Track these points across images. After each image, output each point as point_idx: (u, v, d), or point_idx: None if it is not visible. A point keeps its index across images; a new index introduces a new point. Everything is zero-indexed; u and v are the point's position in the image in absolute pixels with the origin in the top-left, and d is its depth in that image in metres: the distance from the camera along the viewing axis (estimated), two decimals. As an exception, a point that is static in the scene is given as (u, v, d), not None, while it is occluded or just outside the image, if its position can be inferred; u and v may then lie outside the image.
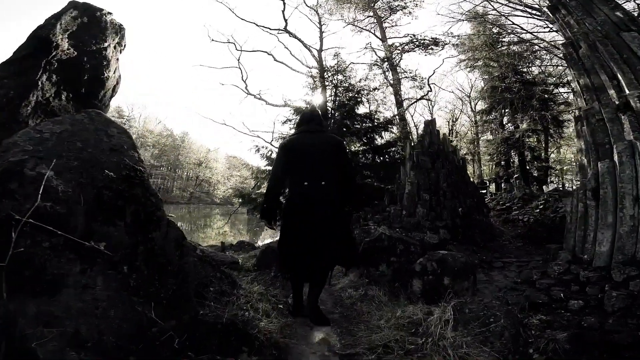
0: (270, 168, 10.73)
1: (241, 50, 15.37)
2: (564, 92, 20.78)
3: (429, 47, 14.18)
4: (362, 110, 13.10)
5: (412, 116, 20.60)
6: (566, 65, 18.34)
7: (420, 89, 14.52)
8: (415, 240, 4.27)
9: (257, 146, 10.82)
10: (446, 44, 14.48)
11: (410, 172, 6.89)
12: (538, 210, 11.21)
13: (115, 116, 43.35)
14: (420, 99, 15.02)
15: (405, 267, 3.91)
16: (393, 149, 12.16)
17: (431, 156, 7.01)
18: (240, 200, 10.33)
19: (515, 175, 13.60)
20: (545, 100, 19.27)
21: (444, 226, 6.12)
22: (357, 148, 12.16)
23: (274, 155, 10.99)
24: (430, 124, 7.99)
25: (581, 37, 7.11)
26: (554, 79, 19.47)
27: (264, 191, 11.32)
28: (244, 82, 15.06)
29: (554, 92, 19.99)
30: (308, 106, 13.23)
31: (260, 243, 14.96)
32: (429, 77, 14.47)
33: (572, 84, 6.75)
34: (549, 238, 8.49)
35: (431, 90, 14.72)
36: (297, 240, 2.57)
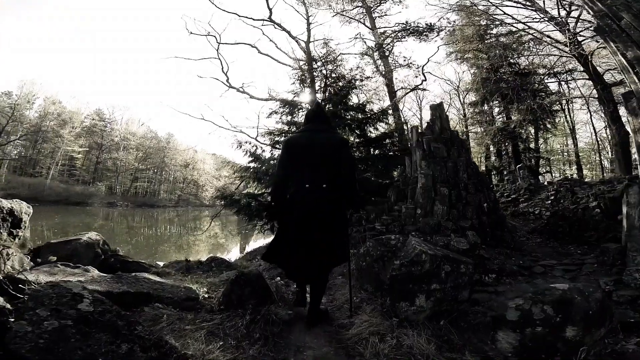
0: (254, 165, 9.27)
1: (220, 43, 13.77)
2: (553, 82, 20.10)
3: (424, 34, 12.85)
4: (354, 101, 11.80)
5: (401, 111, 19.33)
6: (558, 54, 17.18)
7: (416, 77, 13.22)
8: (467, 257, 2.90)
9: (239, 142, 9.32)
10: (442, 29, 13.20)
11: (421, 162, 5.53)
12: (549, 201, 10.04)
13: (96, 119, 41.00)
14: (415, 88, 13.72)
15: (451, 295, 2.56)
16: (388, 140, 10.87)
17: (445, 143, 5.67)
18: (223, 202, 8.84)
19: (519, 165, 12.43)
20: (536, 90, 18.37)
21: (470, 226, 4.78)
22: (350, 141, 10.83)
23: (258, 151, 9.54)
24: (438, 108, 6.66)
25: (621, 7, 5.94)
26: (544, 69, 18.63)
27: (250, 191, 9.86)
28: (225, 74, 13.50)
29: (543, 82, 19.20)
30: (297, 98, 11.91)
31: (248, 250, 13.36)
32: (423, 65, 13.18)
33: (615, 58, 5.53)
34: (572, 233, 7.32)
35: (426, 80, 13.45)
36: (295, 242, 2.44)
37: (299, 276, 2.69)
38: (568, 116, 23.66)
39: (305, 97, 12.01)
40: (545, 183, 11.53)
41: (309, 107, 3.01)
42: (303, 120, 2.89)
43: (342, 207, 2.54)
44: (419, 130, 6.46)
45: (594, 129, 25.60)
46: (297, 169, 2.46)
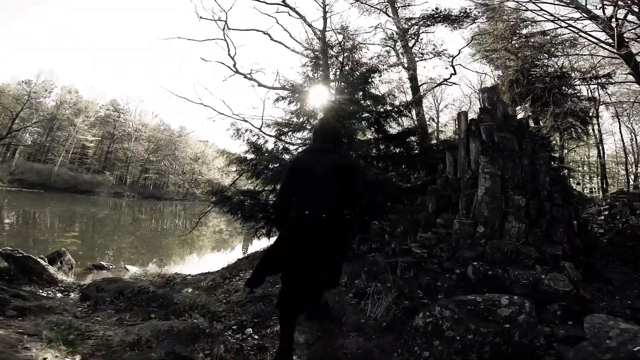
0: (252, 157, 7.58)
1: (226, 25, 12.11)
2: (581, 86, 18.16)
3: (457, 21, 10.95)
4: (373, 92, 10.10)
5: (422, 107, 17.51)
6: (597, 56, 15.08)
7: (445, 69, 11.35)
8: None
9: (237, 129, 7.65)
10: (479, 17, 11.29)
11: (478, 158, 3.75)
12: (602, 217, 8.17)
13: (111, 109, 39.93)
14: (443, 82, 11.83)
15: None
16: (412, 138, 9.11)
17: (514, 133, 3.88)
18: (214, 197, 7.20)
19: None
20: (570, 95, 16.43)
21: (563, 255, 2.99)
22: (367, 136, 9.14)
23: (260, 141, 7.85)
24: (493, 91, 4.86)
25: None
26: (578, 73, 16.68)
27: (250, 188, 8.29)
28: (232, 58, 11.85)
29: (574, 86, 17.29)
30: (308, 86, 10.29)
31: (251, 250, 11.62)
32: (454, 56, 11.28)
33: None
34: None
35: (455, 73, 11.55)
36: (286, 270, 2.20)
37: (285, 305, 2.17)
38: (596, 125, 21.60)
39: (317, 87, 10.35)
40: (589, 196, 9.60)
41: (316, 124, 2.57)
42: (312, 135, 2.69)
43: (340, 239, 2.30)
44: (467, 118, 4.65)
45: (622, 140, 23.47)
46: (299, 195, 2.25)
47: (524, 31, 15.58)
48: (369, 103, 8.76)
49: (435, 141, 12.35)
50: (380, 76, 9.02)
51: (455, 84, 12.09)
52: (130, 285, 2.89)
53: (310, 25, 13.67)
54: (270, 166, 7.09)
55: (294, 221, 2.20)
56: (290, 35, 14.56)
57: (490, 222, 3.16)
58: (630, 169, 24.28)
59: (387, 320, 2.55)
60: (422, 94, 10.89)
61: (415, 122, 11.00)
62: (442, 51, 10.77)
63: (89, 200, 30.48)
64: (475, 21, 11.26)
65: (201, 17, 13.71)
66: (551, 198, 3.37)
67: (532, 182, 3.44)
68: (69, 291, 3.70)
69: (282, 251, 2.21)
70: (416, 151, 8.18)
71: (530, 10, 13.63)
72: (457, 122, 4.81)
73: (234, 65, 12.09)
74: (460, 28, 11.16)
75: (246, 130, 7.89)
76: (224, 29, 11.92)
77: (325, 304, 2.81)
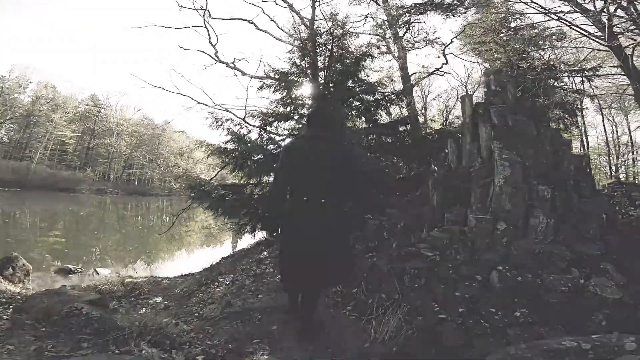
0: (232, 146, 6.91)
1: (208, 15, 11.28)
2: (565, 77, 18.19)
3: (450, 9, 10.43)
4: (364, 79, 9.54)
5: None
6: (586, 48, 14.83)
7: (437, 57, 10.85)
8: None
9: (216, 118, 6.96)
10: (471, 5, 10.79)
11: (492, 143, 3.22)
12: (601, 210, 7.91)
13: (90, 104, 38.06)
14: (434, 72, 11.34)
15: None
16: (403, 127, 8.62)
17: (531, 117, 3.35)
18: (192, 193, 6.52)
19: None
20: (554, 87, 16.35)
21: (600, 255, 2.50)
22: (357, 126, 8.59)
23: (243, 131, 7.18)
24: (500, 73, 4.35)
25: None
26: (565, 66, 16.59)
27: (235, 181, 7.69)
28: (213, 46, 11.04)
29: (561, 79, 17.25)
30: (295, 77, 9.64)
31: (240, 246, 10.98)
32: (446, 45, 10.80)
33: None
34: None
35: (447, 63, 11.07)
36: (293, 257, 2.20)
37: (291, 288, 2.42)
38: (580, 117, 21.75)
39: (305, 75, 9.70)
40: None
41: (311, 110, 2.51)
42: (306, 120, 2.56)
43: (342, 223, 2.23)
44: (472, 101, 4.11)
45: (605, 132, 23.73)
46: (297, 182, 2.17)
47: (513, 24, 15.30)
48: (358, 90, 8.21)
49: (427, 131, 11.98)
50: (372, 62, 8.44)
51: (447, 73, 11.63)
52: (71, 300, 2.26)
53: (297, 13, 12.91)
54: (254, 157, 6.47)
55: (294, 209, 2.13)
56: (278, 25, 13.76)
57: (513, 217, 2.64)
58: (612, 160, 24.62)
59: (398, 344, 2.00)
60: (413, 82, 10.36)
61: (407, 112, 10.54)
62: (434, 39, 10.25)
63: (69, 198, 29.02)
64: (468, 10, 10.75)
65: (182, 7, 12.76)
66: (578, 189, 2.87)
67: (556, 171, 2.93)
68: (11, 303, 3.02)
69: (288, 241, 2.21)
70: (408, 141, 7.68)
71: (522, 2, 13.28)
72: (461, 106, 4.27)
73: (215, 54, 11.27)
74: (453, 16, 10.66)
75: (227, 120, 7.22)
76: (204, 15, 11.10)
77: (320, 321, 2.40)
